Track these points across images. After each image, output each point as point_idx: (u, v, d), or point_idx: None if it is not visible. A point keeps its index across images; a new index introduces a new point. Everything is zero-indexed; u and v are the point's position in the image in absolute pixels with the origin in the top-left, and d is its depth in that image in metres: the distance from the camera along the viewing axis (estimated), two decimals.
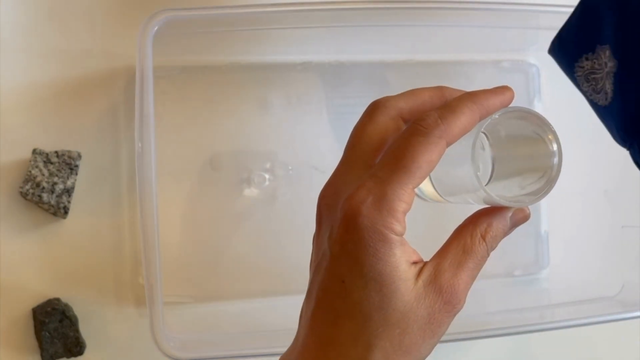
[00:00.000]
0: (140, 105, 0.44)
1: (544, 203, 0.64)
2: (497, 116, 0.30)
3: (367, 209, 0.29)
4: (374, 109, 0.33)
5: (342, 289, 0.30)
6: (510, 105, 0.31)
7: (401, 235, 0.30)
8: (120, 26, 0.55)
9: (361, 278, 0.29)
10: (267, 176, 0.58)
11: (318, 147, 0.59)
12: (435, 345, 0.31)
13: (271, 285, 0.58)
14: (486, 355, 0.62)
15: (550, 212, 0.64)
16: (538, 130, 0.31)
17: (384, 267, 0.29)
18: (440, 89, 0.33)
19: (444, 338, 0.45)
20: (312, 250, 0.34)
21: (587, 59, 0.35)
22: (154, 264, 0.45)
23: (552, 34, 0.60)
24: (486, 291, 0.62)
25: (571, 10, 0.51)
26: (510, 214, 0.32)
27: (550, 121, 0.31)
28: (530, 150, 0.32)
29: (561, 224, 0.64)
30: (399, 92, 0.37)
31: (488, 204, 0.32)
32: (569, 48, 0.37)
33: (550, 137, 0.31)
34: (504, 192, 0.32)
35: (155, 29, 0.45)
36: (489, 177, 0.33)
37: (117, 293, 0.55)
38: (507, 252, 0.64)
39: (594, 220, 0.61)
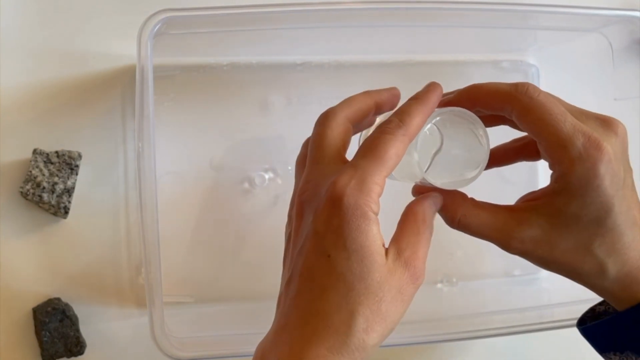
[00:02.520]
0: (140, 105, 0.44)
1: None
2: (439, 116, 0.38)
3: (350, 190, 0.33)
4: (325, 118, 0.38)
5: (327, 262, 0.33)
6: (453, 107, 0.38)
7: (376, 214, 0.34)
8: (120, 26, 0.55)
9: (345, 250, 0.33)
10: (267, 176, 0.58)
11: None
12: (404, 314, 0.35)
13: (271, 284, 0.58)
14: (486, 355, 0.62)
15: None
16: (472, 127, 0.38)
17: (365, 239, 0.33)
18: (367, 93, 0.40)
19: (445, 337, 0.46)
20: (287, 246, 0.38)
21: (614, 354, 0.40)
22: (154, 264, 0.45)
23: (552, 34, 0.60)
24: (486, 291, 0.62)
25: (571, 10, 0.51)
26: (440, 196, 0.38)
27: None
28: (466, 143, 0.38)
29: None
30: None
31: (427, 185, 0.39)
32: (597, 340, 0.41)
33: (481, 133, 0.38)
34: (443, 174, 0.38)
35: (155, 29, 0.45)
36: (429, 162, 0.39)
37: (117, 293, 0.55)
38: (506, 252, 0.64)
39: None
